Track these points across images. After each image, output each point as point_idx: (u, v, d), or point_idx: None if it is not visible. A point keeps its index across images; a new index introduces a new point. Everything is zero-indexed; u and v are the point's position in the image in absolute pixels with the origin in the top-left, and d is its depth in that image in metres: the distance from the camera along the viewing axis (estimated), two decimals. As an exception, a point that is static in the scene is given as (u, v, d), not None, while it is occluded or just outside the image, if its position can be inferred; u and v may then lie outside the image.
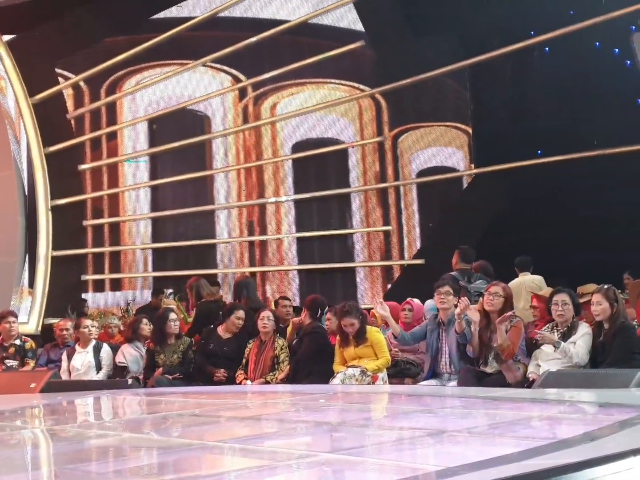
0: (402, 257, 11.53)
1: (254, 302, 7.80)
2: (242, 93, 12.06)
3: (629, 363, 5.39)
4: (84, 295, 11.59)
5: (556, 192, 10.36)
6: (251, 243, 11.95)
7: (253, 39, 11.79)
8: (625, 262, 9.12)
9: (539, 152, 10.78)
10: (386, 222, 11.58)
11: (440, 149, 11.52)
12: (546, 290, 7.74)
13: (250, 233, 11.94)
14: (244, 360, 7.02)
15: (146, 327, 7.58)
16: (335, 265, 11.66)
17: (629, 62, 10.50)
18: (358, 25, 11.62)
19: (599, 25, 10.40)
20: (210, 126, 12.18)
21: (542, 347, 5.87)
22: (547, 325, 5.97)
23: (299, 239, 11.77)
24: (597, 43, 10.61)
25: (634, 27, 10.58)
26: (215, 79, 12.11)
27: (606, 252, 9.51)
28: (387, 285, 11.47)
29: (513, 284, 8.21)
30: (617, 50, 10.62)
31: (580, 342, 5.64)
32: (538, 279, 8.29)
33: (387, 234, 11.58)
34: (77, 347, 7.56)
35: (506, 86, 11.23)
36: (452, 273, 7.57)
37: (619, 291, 6.09)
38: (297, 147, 11.86)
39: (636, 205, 9.93)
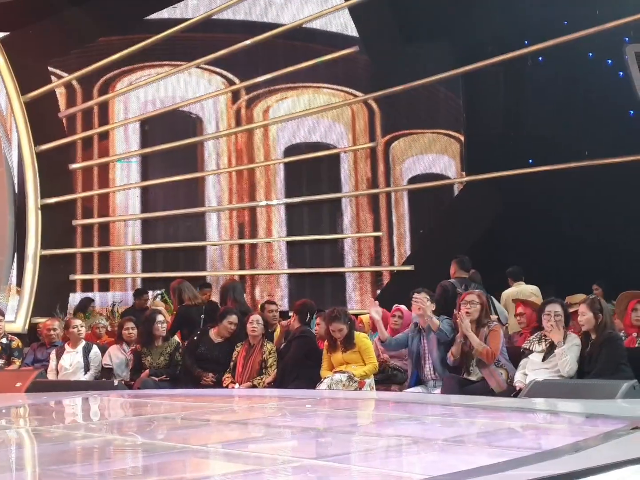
0: (392, 263, 11.54)
1: (241, 305, 7.80)
2: (235, 96, 12.06)
3: (615, 374, 5.39)
4: (90, 295, 11.41)
5: (547, 201, 10.41)
6: (241, 246, 11.93)
7: (247, 42, 11.79)
8: (616, 270, 9.18)
9: (530, 161, 10.83)
10: (377, 227, 11.59)
11: (432, 156, 11.55)
12: (536, 298, 7.76)
13: (241, 236, 11.93)
14: (231, 364, 7.00)
15: (126, 331, 7.55)
16: (324, 270, 11.67)
17: (621, 73, 10.56)
18: (353, 31, 11.65)
19: (593, 36, 10.46)
20: (203, 128, 12.16)
21: (529, 356, 5.89)
22: (535, 335, 5.97)
23: (289, 243, 11.78)
24: (591, 54, 10.67)
25: (627, 39, 10.64)
26: (208, 81, 12.09)
27: (595, 261, 9.56)
28: (377, 291, 11.48)
29: (509, 293, 8.21)
30: (610, 61, 10.68)
31: (569, 353, 5.64)
32: (535, 289, 8.28)
33: (377, 240, 11.60)
34: (66, 346, 7.52)
35: (499, 95, 11.28)
36: (451, 280, 7.59)
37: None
38: (289, 150, 11.86)
39: (624, 216, 10.00)
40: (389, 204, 11.63)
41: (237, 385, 6.79)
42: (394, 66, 11.49)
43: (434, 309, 6.46)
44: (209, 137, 12.10)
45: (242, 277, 11.60)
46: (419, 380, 6.36)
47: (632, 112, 10.49)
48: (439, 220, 11.56)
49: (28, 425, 4.99)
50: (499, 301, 8.10)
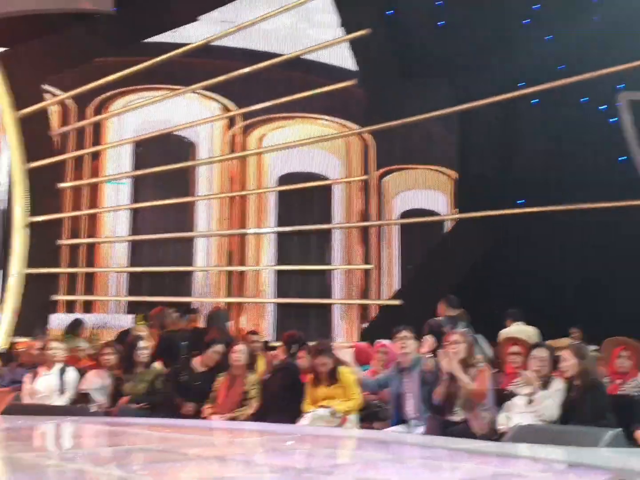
0: (380, 296, 11.50)
1: (225, 334, 7.73)
2: (231, 122, 12.08)
3: (598, 421, 5.34)
4: (78, 316, 11.23)
5: (537, 241, 10.44)
6: (229, 273, 11.86)
7: (245, 70, 11.82)
8: (600, 314, 9.17)
9: (521, 201, 10.87)
10: (367, 260, 11.56)
11: (425, 192, 11.60)
12: (535, 340, 7.70)
13: (229, 263, 11.86)
14: (213, 394, 6.89)
15: (103, 357, 7.41)
16: (312, 301, 11.60)
17: (613, 119, 10.67)
18: (350, 64, 11.72)
19: (587, 82, 10.58)
20: (196, 153, 12.15)
21: (513, 399, 5.84)
22: (521, 378, 5.92)
23: (277, 272, 11.72)
24: (584, 99, 10.78)
25: (621, 86, 10.76)
26: (204, 107, 12.12)
27: (579, 304, 9.57)
28: (363, 324, 11.42)
29: (509, 331, 8.14)
30: (602, 107, 10.79)
31: (551, 398, 5.60)
32: (535, 330, 8.24)
33: (366, 273, 11.57)
34: (41, 368, 7.37)
35: (493, 134, 11.37)
36: (438, 319, 7.56)
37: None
38: (283, 180, 11.87)
39: (610, 260, 10.03)
40: (380, 238, 11.63)
41: (217, 416, 6.68)
42: (390, 101, 11.56)
43: (417, 347, 6.42)
44: (202, 162, 12.09)
45: (229, 304, 11.52)
46: (400, 420, 6.28)
47: (622, 158, 10.58)
48: (429, 255, 11.56)
49: (0, 452, 4.87)
50: (491, 340, 8.04)
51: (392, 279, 11.53)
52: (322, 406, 6.30)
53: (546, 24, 10.93)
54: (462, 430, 5.78)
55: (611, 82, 10.72)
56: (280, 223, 11.78)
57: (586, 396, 5.48)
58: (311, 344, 7.10)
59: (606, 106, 10.84)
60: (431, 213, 11.60)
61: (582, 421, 5.38)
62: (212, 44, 12.00)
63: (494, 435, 5.67)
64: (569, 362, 5.61)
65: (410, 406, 6.23)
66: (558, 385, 5.68)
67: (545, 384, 5.71)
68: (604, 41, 10.55)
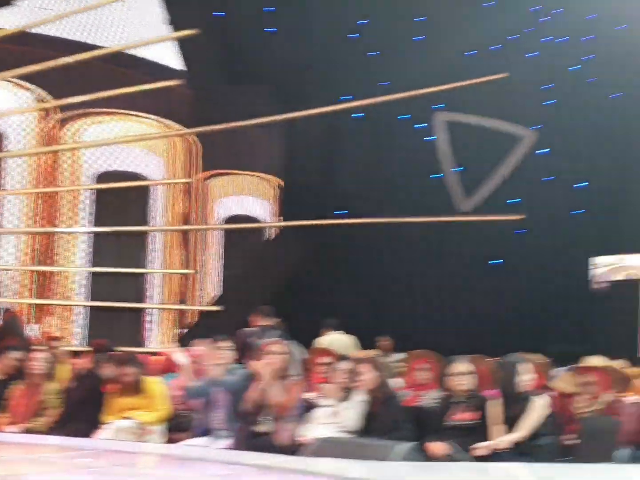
0: (200, 302, 11.36)
1: (21, 340, 7.33)
2: (45, 114, 11.42)
3: (394, 432, 5.53)
4: None
5: (359, 252, 10.74)
6: (37, 273, 11.22)
7: (65, 60, 11.18)
8: (409, 323, 9.58)
9: (343, 212, 11.15)
10: (187, 265, 11.38)
11: (249, 198, 11.62)
12: (351, 349, 7.90)
13: (38, 262, 11.22)
14: (6, 403, 6.48)
15: None
16: (126, 305, 11.25)
17: (429, 138, 11.20)
18: (179, 64, 11.49)
19: (408, 99, 11.00)
20: (4, 144, 11.37)
21: (316, 409, 5.94)
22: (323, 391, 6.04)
23: (90, 274, 11.25)
24: (404, 116, 11.23)
25: (438, 106, 11.31)
26: (17, 96, 11.37)
27: (399, 315, 9.95)
28: (181, 330, 11.23)
29: (327, 341, 8.27)
30: (420, 125, 11.30)
31: (354, 409, 5.75)
32: (351, 339, 8.40)
33: (186, 277, 11.38)
34: None
35: (317, 145, 11.58)
36: (251, 329, 7.56)
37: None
38: (100, 178, 11.41)
39: (427, 272, 10.52)
40: (202, 242, 11.49)
41: (12, 427, 6.29)
42: (218, 104, 11.46)
43: (234, 357, 6.40)
44: (11, 154, 11.35)
45: (36, 306, 10.90)
46: (207, 430, 6.22)
47: (434, 175, 11.12)
48: (252, 262, 11.58)
49: None
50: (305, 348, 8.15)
51: (212, 285, 11.43)
52: (125, 417, 6.11)
53: (372, 40, 11.27)
54: (267, 442, 5.81)
55: (431, 102, 11.21)
56: (96, 223, 11.32)
57: (382, 408, 5.67)
58: (121, 350, 6.89)
59: (425, 124, 11.33)
60: (254, 220, 11.63)
61: (380, 433, 5.55)
62: (29, 31, 11.28)
63: (296, 447, 5.73)
64: (367, 375, 5.79)
65: (218, 417, 6.19)
66: (359, 397, 5.84)
67: (347, 395, 5.85)
68: (427, 60, 11.03)
